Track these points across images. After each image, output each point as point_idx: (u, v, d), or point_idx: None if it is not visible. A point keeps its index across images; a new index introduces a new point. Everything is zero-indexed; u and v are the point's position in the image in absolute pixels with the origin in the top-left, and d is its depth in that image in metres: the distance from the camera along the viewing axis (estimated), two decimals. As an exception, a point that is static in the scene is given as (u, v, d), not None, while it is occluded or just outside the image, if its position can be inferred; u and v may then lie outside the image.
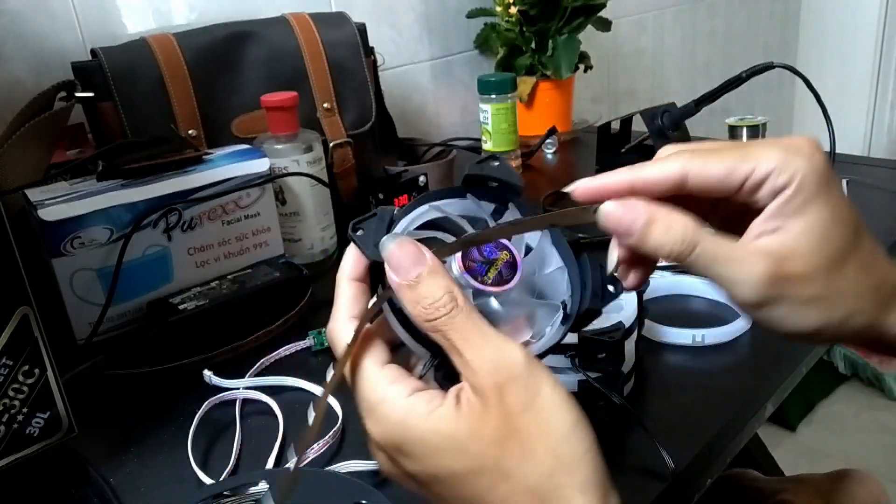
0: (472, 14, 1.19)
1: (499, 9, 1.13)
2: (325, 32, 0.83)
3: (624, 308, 0.50)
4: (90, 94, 0.71)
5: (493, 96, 0.88)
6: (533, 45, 1.14)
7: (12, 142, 0.64)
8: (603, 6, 1.14)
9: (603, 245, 0.48)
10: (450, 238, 0.36)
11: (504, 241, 0.35)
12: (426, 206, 0.36)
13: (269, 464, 0.48)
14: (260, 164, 0.69)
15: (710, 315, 0.62)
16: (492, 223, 0.37)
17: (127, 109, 0.72)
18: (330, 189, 0.77)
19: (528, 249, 0.37)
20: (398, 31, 1.13)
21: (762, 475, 0.59)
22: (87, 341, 0.62)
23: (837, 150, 0.80)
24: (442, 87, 1.22)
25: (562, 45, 1.12)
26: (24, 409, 0.46)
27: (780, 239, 0.31)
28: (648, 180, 0.33)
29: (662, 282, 0.66)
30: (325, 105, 0.83)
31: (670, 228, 0.32)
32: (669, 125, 0.93)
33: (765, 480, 0.58)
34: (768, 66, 0.83)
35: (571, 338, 0.47)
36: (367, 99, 0.86)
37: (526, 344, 0.34)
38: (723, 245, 0.32)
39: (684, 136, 0.97)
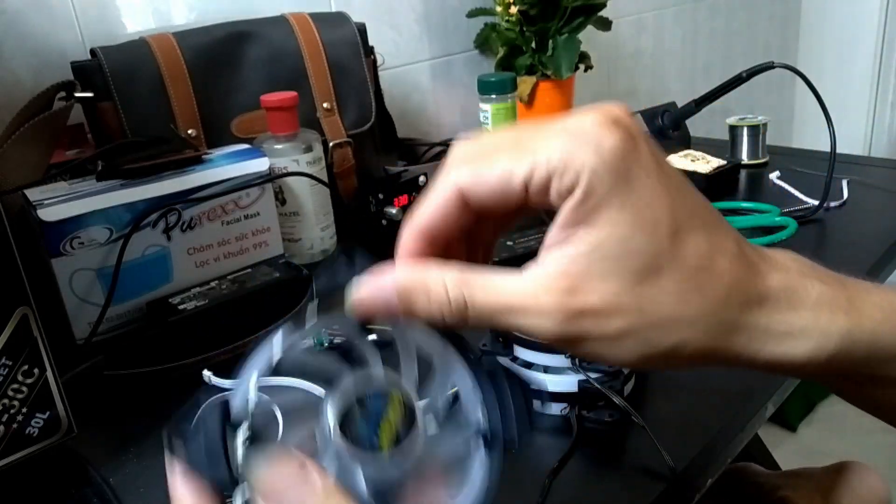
0: (472, 14, 1.19)
1: (499, 8, 1.13)
2: (325, 32, 0.83)
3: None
4: (90, 94, 0.71)
5: (494, 96, 0.88)
6: (533, 44, 1.14)
7: (12, 142, 0.63)
8: (603, 6, 1.14)
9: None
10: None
11: (393, 377, 0.27)
12: (266, 360, 0.29)
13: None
14: (259, 164, 0.69)
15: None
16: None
17: (126, 109, 0.72)
18: (330, 189, 0.77)
19: (427, 367, 0.29)
20: (398, 30, 1.13)
21: (763, 469, 0.59)
22: (87, 341, 0.62)
23: (838, 150, 0.80)
24: (442, 87, 1.22)
25: (562, 45, 1.12)
26: (24, 409, 0.46)
27: (568, 261, 0.25)
28: (430, 219, 0.27)
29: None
30: (325, 105, 0.83)
31: (430, 293, 0.26)
32: (670, 125, 0.93)
33: (765, 475, 0.58)
34: (769, 66, 0.83)
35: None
36: (366, 99, 0.86)
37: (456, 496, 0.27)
38: (498, 292, 0.26)
39: (684, 136, 0.97)
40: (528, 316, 0.26)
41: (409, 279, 0.27)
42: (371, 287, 0.27)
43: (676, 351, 0.26)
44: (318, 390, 0.28)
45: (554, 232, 0.26)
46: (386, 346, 0.28)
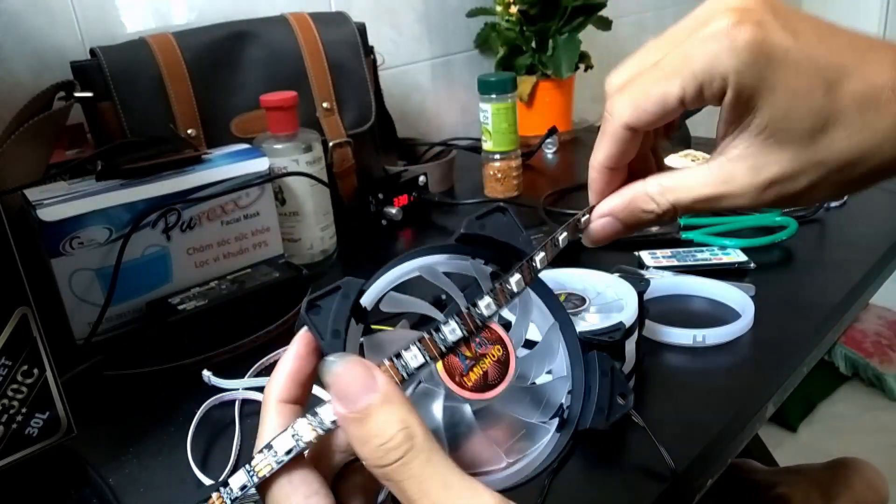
0: (472, 13, 1.19)
1: (499, 8, 1.13)
2: (325, 32, 0.83)
3: (624, 308, 0.50)
4: (89, 94, 0.71)
5: (494, 96, 0.88)
6: (533, 44, 1.14)
7: (11, 141, 0.63)
8: (603, 5, 1.14)
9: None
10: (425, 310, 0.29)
11: (499, 329, 0.28)
12: (410, 266, 0.30)
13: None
14: (259, 164, 0.69)
15: (711, 315, 0.62)
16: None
17: (126, 109, 0.72)
18: (329, 189, 0.77)
19: (530, 343, 0.31)
20: (398, 30, 1.13)
21: (761, 466, 0.59)
22: (87, 341, 0.61)
23: (838, 150, 0.80)
24: (442, 86, 1.22)
25: (562, 45, 1.12)
26: (24, 410, 0.46)
27: (744, 146, 0.29)
28: (611, 158, 0.32)
29: (663, 282, 0.66)
30: (325, 105, 0.83)
31: (644, 208, 0.32)
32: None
33: (762, 472, 0.58)
34: (769, 66, 0.83)
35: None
36: (366, 98, 0.86)
37: (514, 462, 0.28)
38: (694, 189, 0.31)
39: (685, 136, 0.96)
40: (727, 199, 0.30)
41: (623, 204, 0.32)
42: (600, 224, 0.33)
43: (866, 177, 0.30)
44: (437, 314, 0.30)
45: (722, 127, 0.30)
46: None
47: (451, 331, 0.27)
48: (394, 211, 0.84)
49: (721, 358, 0.56)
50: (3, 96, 0.74)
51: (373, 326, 0.29)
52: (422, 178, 0.88)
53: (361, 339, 0.28)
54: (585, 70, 1.20)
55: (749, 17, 0.27)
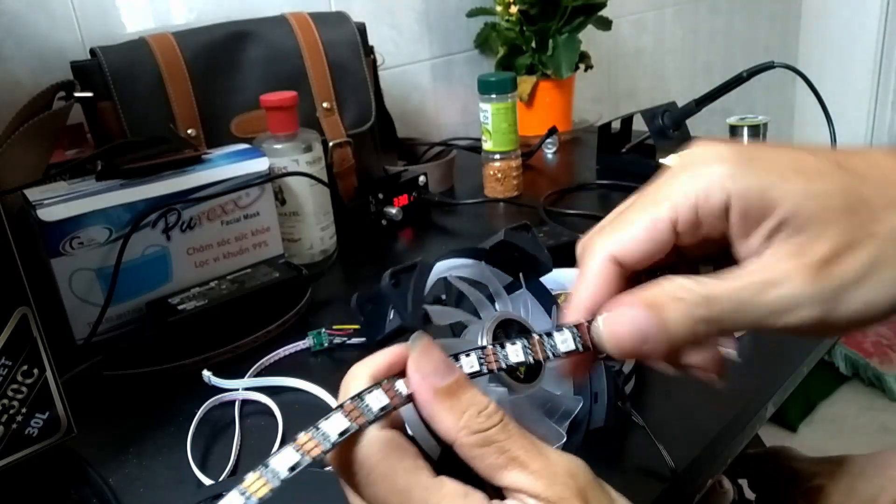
0: (472, 13, 1.19)
1: (499, 8, 1.13)
2: (325, 32, 0.83)
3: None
4: (89, 94, 0.71)
5: (494, 96, 0.88)
6: (533, 44, 1.14)
7: (11, 141, 0.63)
8: (603, 5, 1.14)
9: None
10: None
11: (528, 321, 0.31)
12: (451, 264, 0.32)
13: (269, 464, 0.47)
14: (259, 164, 0.69)
15: (711, 315, 0.62)
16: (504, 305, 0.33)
17: (126, 109, 0.72)
18: (329, 189, 0.77)
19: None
20: (398, 30, 1.13)
21: (801, 454, 0.57)
22: (87, 341, 0.61)
23: (838, 150, 0.80)
24: (442, 86, 1.22)
25: (562, 45, 1.12)
26: (23, 410, 0.46)
27: (779, 242, 0.26)
28: (593, 297, 0.28)
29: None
30: (325, 105, 0.83)
31: (679, 296, 0.26)
32: (670, 125, 0.93)
33: (802, 460, 0.56)
34: (769, 66, 0.83)
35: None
36: (366, 98, 0.86)
37: None
38: (736, 279, 0.26)
39: (685, 136, 0.96)
40: (777, 287, 0.25)
41: (651, 293, 0.27)
42: (622, 320, 0.27)
43: None
44: (474, 320, 0.31)
45: (740, 245, 0.27)
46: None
47: (515, 352, 0.27)
48: (394, 211, 0.84)
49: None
50: (3, 96, 0.74)
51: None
52: (422, 178, 0.88)
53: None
54: (585, 70, 1.20)
55: (732, 147, 0.27)
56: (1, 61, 0.76)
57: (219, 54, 0.77)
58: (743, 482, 0.63)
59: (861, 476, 0.52)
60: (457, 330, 0.32)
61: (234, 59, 0.78)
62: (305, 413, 0.53)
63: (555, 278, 0.56)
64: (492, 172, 0.93)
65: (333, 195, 0.78)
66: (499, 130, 0.90)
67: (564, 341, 0.28)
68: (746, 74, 0.84)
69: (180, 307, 0.62)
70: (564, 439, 0.31)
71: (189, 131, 0.75)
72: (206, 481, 0.46)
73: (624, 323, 0.27)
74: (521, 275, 0.35)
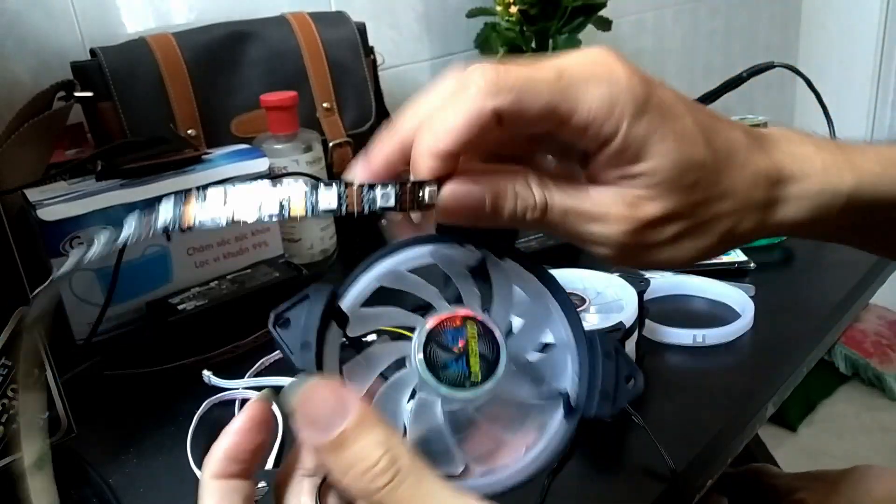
0: (472, 13, 1.19)
1: (499, 8, 1.13)
2: (325, 32, 0.83)
3: (624, 308, 0.50)
4: (89, 94, 0.71)
5: (493, 96, 0.88)
6: (533, 44, 1.14)
7: (11, 141, 0.63)
8: (603, 6, 1.13)
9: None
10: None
11: (458, 310, 0.27)
12: (384, 268, 0.28)
13: (269, 464, 0.47)
14: (259, 164, 0.69)
15: (711, 315, 0.62)
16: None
17: (126, 109, 0.72)
18: (330, 189, 0.77)
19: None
20: (398, 30, 1.13)
21: (780, 471, 0.59)
22: (87, 341, 0.61)
23: (838, 150, 0.80)
24: (442, 86, 1.22)
25: (562, 45, 1.12)
26: (23, 410, 0.46)
27: (629, 185, 0.28)
28: (462, 139, 0.26)
29: (663, 282, 0.66)
30: (325, 105, 0.83)
31: (519, 194, 0.27)
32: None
33: (781, 476, 0.58)
34: (769, 66, 0.83)
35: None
36: (366, 98, 0.86)
37: (525, 453, 0.27)
38: (573, 197, 0.28)
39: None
40: (599, 223, 0.28)
41: (499, 181, 0.27)
42: (461, 189, 0.27)
43: (727, 237, 0.29)
44: (413, 319, 0.28)
45: (602, 168, 0.28)
46: (481, 278, 0.29)
47: (327, 200, 0.26)
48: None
49: (721, 358, 0.56)
50: (3, 96, 0.74)
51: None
52: (422, 178, 0.88)
53: (343, 365, 0.26)
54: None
55: (636, 70, 0.27)
56: (1, 61, 0.76)
57: (219, 54, 0.77)
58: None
59: (837, 490, 0.53)
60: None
61: (234, 59, 0.78)
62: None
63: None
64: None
65: (333, 195, 0.78)
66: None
67: (385, 196, 0.26)
68: (746, 74, 0.84)
69: (180, 307, 0.62)
70: (557, 422, 0.28)
71: (189, 131, 0.75)
72: (206, 481, 0.46)
73: (462, 194, 0.27)
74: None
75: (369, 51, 0.89)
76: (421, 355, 0.26)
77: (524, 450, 0.27)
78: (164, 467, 0.49)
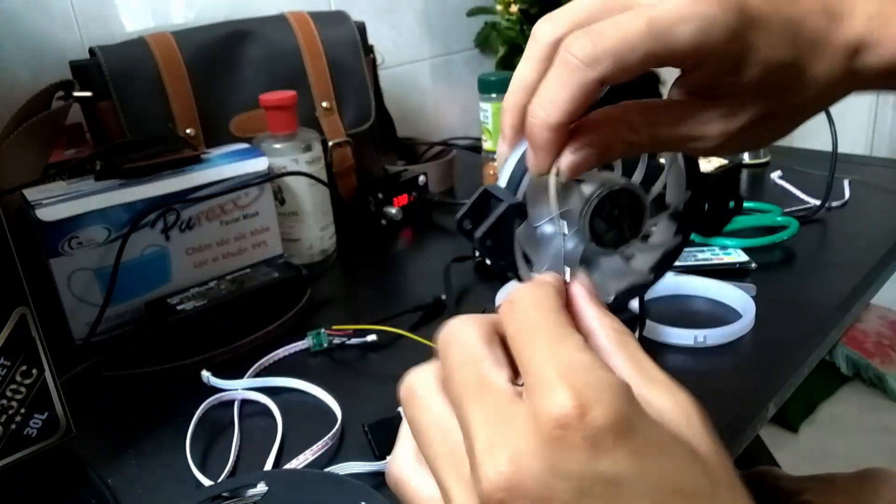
0: (472, 12, 1.19)
1: (499, 7, 1.13)
2: (325, 31, 0.83)
3: (625, 308, 0.50)
4: (88, 94, 0.71)
5: (494, 95, 0.88)
6: (533, 44, 1.13)
7: (10, 141, 0.63)
8: (603, 5, 1.13)
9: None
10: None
11: (609, 185, 0.33)
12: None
13: (268, 465, 0.47)
14: (258, 164, 0.69)
15: (712, 315, 0.62)
16: None
17: (125, 109, 0.72)
18: (329, 189, 0.77)
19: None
20: (398, 29, 1.13)
21: (785, 473, 0.58)
22: (86, 342, 0.61)
23: (840, 150, 0.80)
24: (442, 86, 1.22)
25: (562, 45, 1.11)
26: (22, 410, 0.46)
27: (724, 102, 0.30)
28: (561, 106, 0.29)
29: (663, 282, 0.65)
30: (325, 104, 0.82)
31: (626, 141, 0.30)
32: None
33: (787, 479, 0.58)
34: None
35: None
36: (366, 98, 0.86)
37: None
38: (676, 127, 0.31)
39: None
40: (700, 141, 0.31)
41: (607, 136, 0.30)
42: (577, 159, 0.30)
43: (814, 109, 0.32)
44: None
45: (699, 84, 0.30)
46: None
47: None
48: (394, 211, 0.84)
49: (722, 358, 0.56)
50: (2, 96, 0.74)
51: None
52: (422, 178, 0.88)
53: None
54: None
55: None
56: (0, 61, 0.76)
57: (218, 54, 0.77)
58: None
59: (845, 492, 0.53)
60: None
61: (233, 58, 0.78)
62: (305, 413, 0.53)
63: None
64: (492, 172, 0.93)
65: (333, 195, 0.78)
66: (499, 130, 0.90)
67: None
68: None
69: (179, 307, 0.62)
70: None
71: (188, 131, 0.75)
72: (206, 481, 0.46)
73: (581, 165, 0.30)
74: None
75: (369, 50, 0.88)
76: (587, 229, 0.32)
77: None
78: (164, 468, 0.49)
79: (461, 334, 0.25)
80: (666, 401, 0.24)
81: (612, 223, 0.33)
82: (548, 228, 0.33)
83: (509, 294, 0.26)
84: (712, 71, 0.29)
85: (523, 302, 0.25)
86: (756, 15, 0.28)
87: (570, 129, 0.29)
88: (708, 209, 0.37)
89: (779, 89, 0.30)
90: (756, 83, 0.29)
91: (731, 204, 0.38)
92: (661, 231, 0.38)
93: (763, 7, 0.29)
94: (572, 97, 0.28)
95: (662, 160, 0.36)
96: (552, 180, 0.30)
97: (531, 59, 0.31)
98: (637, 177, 0.35)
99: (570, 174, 0.30)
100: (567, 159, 0.29)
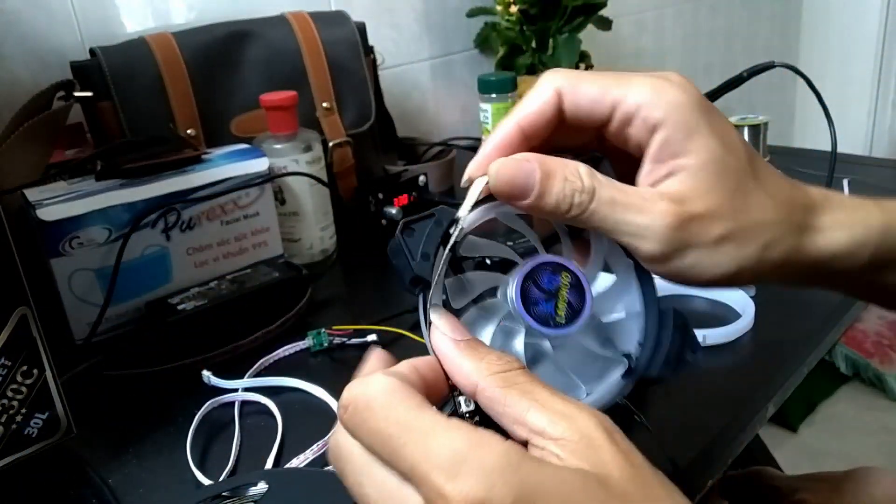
0: (472, 13, 1.19)
1: (499, 8, 1.13)
2: (325, 31, 0.83)
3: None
4: (89, 94, 0.71)
5: (494, 96, 0.88)
6: (533, 44, 1.14)
7: (11, 141, 0.63)
8: (603, 5, 1.13)
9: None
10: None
11: (558, 258, 0.30)
12: (486, 208, 0.31)
13: (268, 464, 0.47)
14: (259, 164, 0.69)
15: (712, 315, 0.62)
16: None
17: (126, 109, 0.72)
18: (329, 189, 0.77)
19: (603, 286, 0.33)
20: (398, 30, 1.13)
21: (779, 473, 0.59)
22: (86, 341, 0.61)
23: (839, 150, 0.80)
24: (442, 86, 1.22)
25: (562, 45, 1.11)
26: (23, 410, 0.46)
27: (676, 180, 0.29)
28: (530, 114, 0.30)
29: (663, 282, 0.65)
30: (325, 104, 0.82)
31: (568, 178, 0.29)
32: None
33: (782, 478, 0.58)
34: (769, 66, 0.82)
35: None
36: (366, 98, 0.86)
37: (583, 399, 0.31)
38: (620, 190, 0.29)
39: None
40: (643, 215, 0.29)
41: (550, 161, 0.29)
42: (517, 160, 0.29)
43: (765, 256, 0.30)
44: (514, 256, 0.31)
45: (649, 162, 0.30)
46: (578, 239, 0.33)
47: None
48: (394, 211, 0.84)
49: (722, 358, 0.56)
50: (2, 96, 0.74)
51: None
52: (422, 178, 0.88)
53: (446, 279, 0.29)
54: (586, 70, 1.20)
55: (691, 82, 0.30)
56: (1, 61, 0.76)
57: (218, 54, 0.77)
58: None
59: (838, 490, 0.53)
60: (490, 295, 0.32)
61: (233, 58, 0.78)
62: (305, 413, 0.53)
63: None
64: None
65: (333, 195, 0.78)
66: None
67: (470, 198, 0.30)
68: (746, 74, 0.84)
69: (180, 307, 0.62)
70: (626, 364, 0.31)
71: (189, 131, 0.75)
72: (206, 481, 0.46)
73: (512, 168, 0.29)
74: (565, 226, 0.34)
75: (369, 50, 0.88)
76: (518, 288, 0.29)
77: (583, 395, 0.31)
78: (164, 467, 0.49)
79: (345, 451, 0.26)
80: (564, 430, 0.23)
81: (548, 295, 0.30)
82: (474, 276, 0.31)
83: (344, 399, 0.25)
84: (664, 137, 0.30)
85: (365, 409, 0.24)
86: (715, 112, 0.30)
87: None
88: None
89: (731, 190, 0.30)
90: (707, 168, 0.29)
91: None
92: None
93: (722, 117, 0.30)
94: (532, 102, 0.31)
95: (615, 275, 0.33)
96: (478, 183, 0.29)
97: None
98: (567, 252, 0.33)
99: (499, 179, 0.29)
100: (501, 160, 0.29)
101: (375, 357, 0.28)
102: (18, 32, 0.76)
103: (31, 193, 0.61)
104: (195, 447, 0.50)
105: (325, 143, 0.80)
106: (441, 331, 0.27)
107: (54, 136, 0.69)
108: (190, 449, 0.49)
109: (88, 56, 0.73)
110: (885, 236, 0.31)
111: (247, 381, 0.56)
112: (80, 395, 0.54)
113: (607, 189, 0.29)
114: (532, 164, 0.29)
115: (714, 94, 0.89)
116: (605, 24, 1.18)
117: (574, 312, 0.30)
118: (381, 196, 0.84)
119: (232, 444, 0.49)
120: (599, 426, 0.23)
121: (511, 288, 0.29)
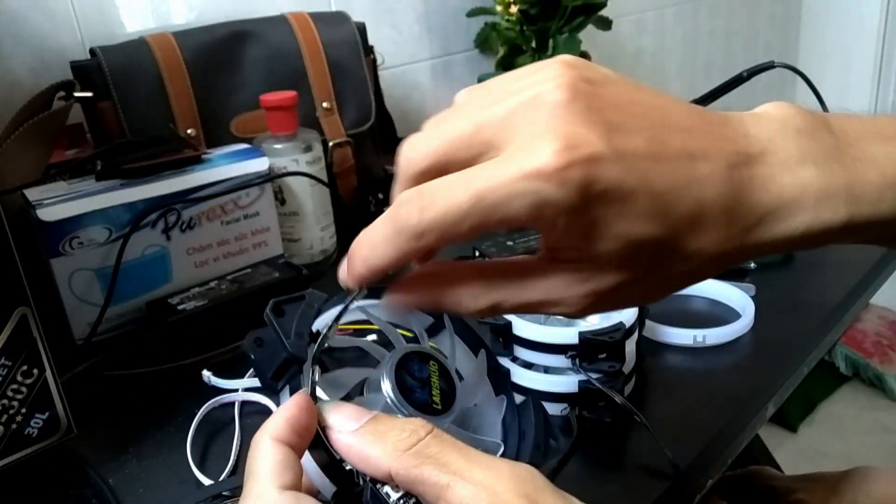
0: (472, 13, 1.19)
1: (499, 8, 1.13)
2: (325, 31, 0.83)
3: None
4: (89, 94, 0.71)
5: (494, 96, 0.88)
6: (533, 44, 1.14)
7: (11, 141, 0.63)
8: (603, 5, 1.13)
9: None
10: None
11: (422, 347, 0.31)
12: (353, 306, 0.31)
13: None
14: (259, 164, 0.69)
15: (711, 315, 0.62)
16: (424, 341, 0.33)
17: (126, 109, 0.72)
18: (329, 189, 0.77)
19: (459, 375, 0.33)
20: (398, 30, 1.13)
21: (777, 472, 0.59)
22: (86, 341, 0.61)
23: (838, 150, 0.80)
24: (442, 86, 1.22)
25: (562, 45, 1.11)
26: (23, 410, 0.46)
27: (582, 266, 0.26)
28: (383, 259, 0.27)
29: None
30: (325, 104, 0.82)
31: (461, 303, 0.28)
32: (670, 125, 0.93)
33: (779, 478, 0.58)
34: (769, 66, 0.82)
35: (572, 338, 0.47)
36: (366, 98, 0.86)
37: None
38: (525, 292, 0.27)
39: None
40: (556, 308, 0.27)
41: (438, 292, 0.28)
42: (399, 300, 0.29)
43: (697, 279, 0.28)
44: (379, 351, 0.32)
45: (543, 240, 0.27)
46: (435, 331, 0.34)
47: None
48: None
49: (721, 358, 0.56)
50: (2, 96, 0.74)
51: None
52: (422, 178, 0.88)
53: (316, 378, 0.29)
54: (585, 70, 1.20)
55: (578, 150, 0.24)
56: (1, 61, 0.76)
57: (219, 54, 0.77)
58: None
59: (836, 491, 0.53)
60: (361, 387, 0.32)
61: (234, 58, 0.78)
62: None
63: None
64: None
65: (333, 195, 0.78)
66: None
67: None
68: (746, 74, 0.84)
69: (180, 307, 0.62)
70: (502, 447, 0.31)
71: (189, 131, 0.75)
72: (206, 481, 0.46)
73: (402, 307, 0.29)
74: (444, 315, 0.34)
75: (369, 50, 0.88)
76: (393, 378, 0.29)
77: (499, 450, 0.31)
78: (164, 467, 0.49)
79: None
80: (473, 497, 0.24)
81: (421, 383, 0.30)
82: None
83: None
84: (559, 239, 0.26)
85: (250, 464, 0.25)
86: (608, 189, 0.24)
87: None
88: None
89: (645, 261, 0.26)
90: (615, 255, 0.25)
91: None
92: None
93: (626, 180, 0.24)
94: (395, 256, 0.26)
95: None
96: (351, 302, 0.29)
97: (398, 185, 0.28)
98: (450, 352, 0.33)
99: (392, 313, 0.29)
100: (388, 299, 0.28)
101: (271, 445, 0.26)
102: (18, 32, 0.76)
103: (32, 193, 0.61)
104: (195, 447, 0.50)
105: (325, 143, 0.80)
106: (337, 429, 0.26)
107: (54, 137, 0.69)
108: (190, 449, 0.49)
109: (88, 56, 0.73)
110: (847, 227, 0.27)
111: (247, 381, 0.56)
112: (81, 395, 0.54)
113: (510, 294, 0.27)
114: (419, 300, 0.28)
115: (714, 94, 0.89)
116: (605, 24, 1.18)
117: (448, 399, 0.30)
118: (381, 196, 0.84)
119: (232, 444, 0.50)
120: (521, 493, 0.23)
121: (385, 382, 0.29)
